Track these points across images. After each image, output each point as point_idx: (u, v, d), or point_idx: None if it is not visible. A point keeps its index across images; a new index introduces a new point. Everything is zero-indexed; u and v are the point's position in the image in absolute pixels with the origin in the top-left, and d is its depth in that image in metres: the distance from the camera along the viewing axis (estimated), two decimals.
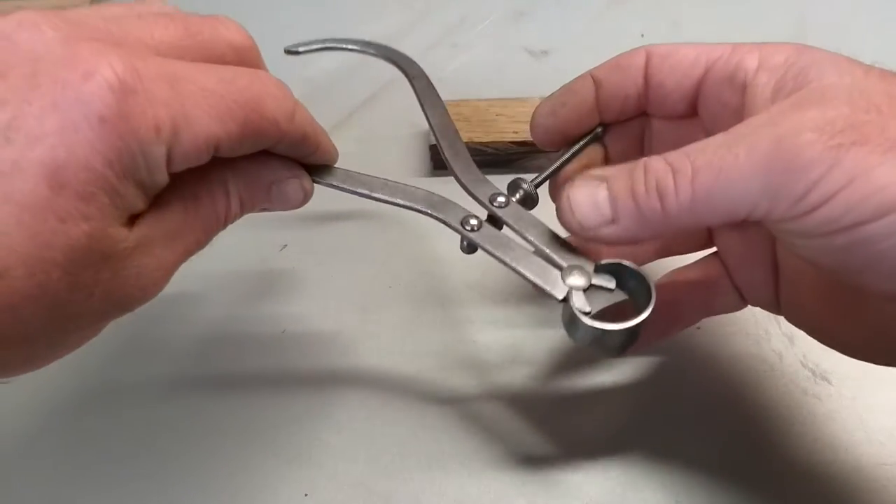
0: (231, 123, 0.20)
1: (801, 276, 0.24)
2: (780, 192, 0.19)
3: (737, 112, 0.23)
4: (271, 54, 0.48)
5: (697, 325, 0.32)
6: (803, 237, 0.20)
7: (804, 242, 0.20)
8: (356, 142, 0.41)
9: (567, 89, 0.26)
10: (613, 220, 0.21)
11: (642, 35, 0.45)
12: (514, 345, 0.32)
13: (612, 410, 0.30)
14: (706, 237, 0.28)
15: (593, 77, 0.26)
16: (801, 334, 0.31)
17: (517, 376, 0.31)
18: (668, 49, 0.24)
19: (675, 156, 0.20)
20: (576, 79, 0.26)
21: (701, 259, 0.28)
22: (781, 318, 0.31)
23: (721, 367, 0.31)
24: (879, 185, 0.18)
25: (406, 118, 0.41)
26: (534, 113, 0.27)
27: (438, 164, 0.39)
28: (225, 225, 0.23)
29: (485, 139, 0.38)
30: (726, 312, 0.28)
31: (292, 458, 0.29)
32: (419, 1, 0.48)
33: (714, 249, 0.28)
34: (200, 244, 0.22)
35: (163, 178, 0.19)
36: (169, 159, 0.19)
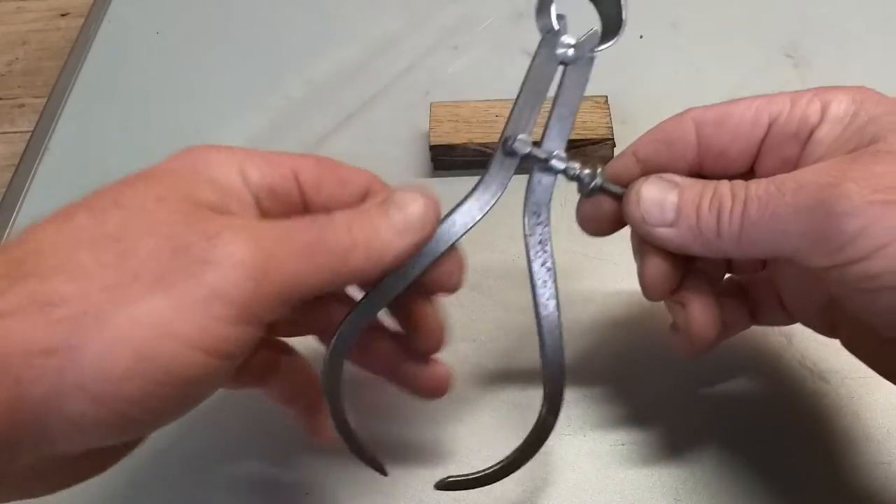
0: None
1: (859, 323, 0.23)
2: (820, 238, 0.19)
3: (795, 165, 0.22)
4: (272, 54, 0.48)
5: None
6: (848, 291, 0.20)
7: (853, 297, 0.20)
8: (356, 142, 0.41)
9: (611, 174, 0.25)
10: (672, 225, 0.22)
11: (641, 36, 0.45)
12: (509, 349, 0.32)
13: (610, 409, 0.30)
14: (761, 262, 0.27)
15: (637, 157, 0.24)
16: (799, 334, 0.31)
17: (516, 375, 0.31)
18: (719, 113, 0.23)
19: (738, 184, 0.21)
20: (617, 159, 0.25)
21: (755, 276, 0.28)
22: None
23: (719, 366, 0.31)
24: None
25: (406, 118, 0.42)
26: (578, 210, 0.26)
27: (438, 165, 0.39)
28: None
29: (484, 140, 0.38)
30: (773, 325, 0.28)
31: (293, 456, 0.29)
32: (419, 3, 0.48)
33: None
34: None
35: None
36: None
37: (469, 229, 0.23)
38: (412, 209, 0.21)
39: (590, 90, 0.24)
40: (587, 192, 0.24)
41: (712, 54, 0.44)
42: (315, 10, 0.49)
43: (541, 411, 0.24)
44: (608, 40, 0.23)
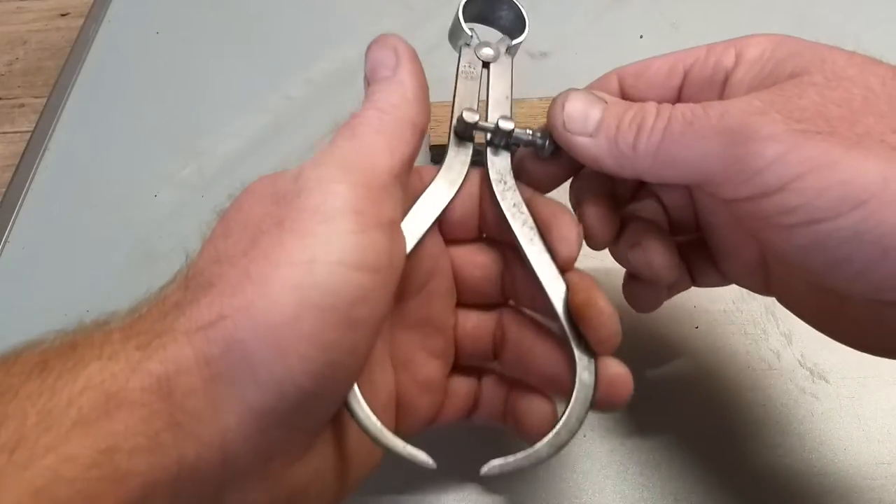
0: None
1: (789, 271, 0.24)
2: (738, 164, 0.19)
3: None
4: (272, 54, 0.48)
5: (696, 325, 0.32)
6: (765, 227, 0.20)
7: (769, 235, 0.20)
8: None
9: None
10: (591, 135, 0.22)
11: (641, 36, 0.45)
12: None
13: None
14: (694, 223, 0.27)
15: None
16: (799, 334, 0.31)
17: None
18: (639, 67, 0.24)
19: (665, 105, 0.21)
20: (555, 99, 0.25)
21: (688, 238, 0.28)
22: (779, 318, 0.32)
23: (719, 366, 0.31)
24: (840, 180, 0.18)
25: None
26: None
27: (438, 163, 0.39)
28: None
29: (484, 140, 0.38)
30: (711, 287, 0.28)
31: None
32: (420, 2, 0.48)
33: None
34: None
35: None
36: None
37: (445, 208, 0.24)
38: None
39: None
40: (548, 151, 0.25)
41: None
42: (315, 10, 0.49)
43: (575, 372, 0.23)
44: (518, 37, 0.25)
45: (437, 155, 0.39)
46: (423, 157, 0.40)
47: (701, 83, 0.23)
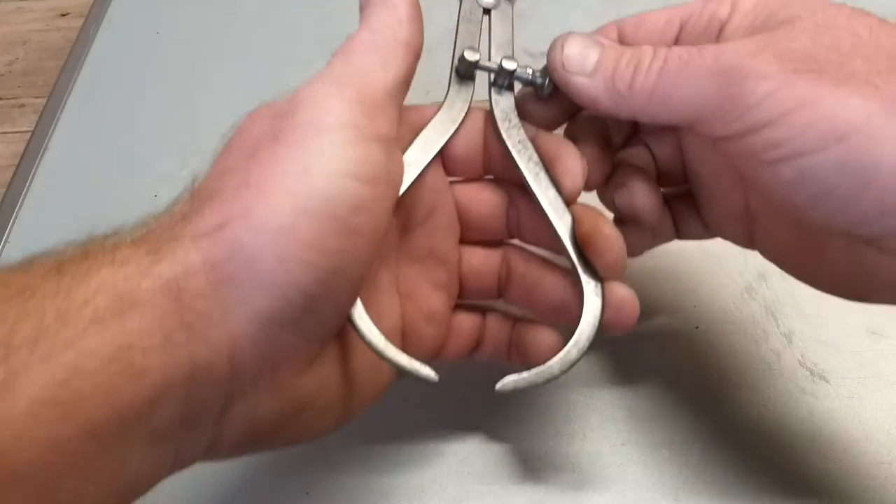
0: None
1: (772, 216, 0.24)
2: (731, 100, 0.20)
3: None
4: (272, 54, 0.48)
5: (696, 325, 0.32)
6: (754, 163, 0.20)
7: (757, 172, 0.21)
8: None
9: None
10: (589, 76, 0.23)
11: None
12: None
13: (611, 410, 0.30)
14: (682, 174, 0.28)
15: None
16: (799, 334, 0.31)
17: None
18: (637, 19, 0.25)
19: (661, 47, 0.22)
20: (554, 42, 0.26)
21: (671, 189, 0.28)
22: (780, 318, 0.32)
23: (719, 366, 0.31)
24: (826, 115, 0.19)
25: None
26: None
27: None
28: None
29: None
30: (694, 239, 0.28)
31: (293, 456, 0.29)
32: (419, 2, 0.48)
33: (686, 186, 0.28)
34: None
35: None
36: None
37: (446, 143, 0.25)
38: None
39: None
40: (547, 90, 0.25)
41: None
42: (315, 10, 0.49)
43: (582, 290, 0.24)
44: None
45: None
46: None
47: (696, 33, 0.24)
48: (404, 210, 0.24)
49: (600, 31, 0.26)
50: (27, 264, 0.18)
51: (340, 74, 0.21)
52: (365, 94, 0.20)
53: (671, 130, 0.27)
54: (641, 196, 0.25)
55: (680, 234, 0.28)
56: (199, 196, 0.20)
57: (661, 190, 0.28)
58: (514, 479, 0.28)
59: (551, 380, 0.23)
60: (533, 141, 0.25)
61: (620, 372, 0.31)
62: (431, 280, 0.26)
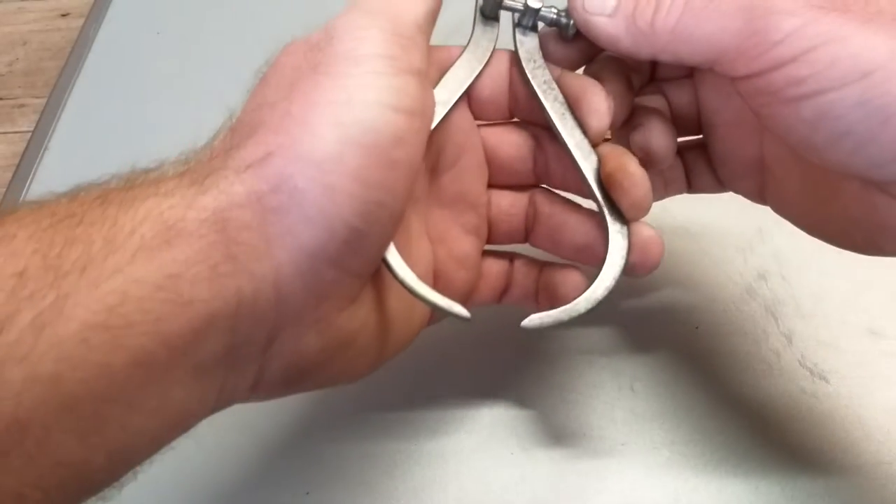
0: None
1: (786, 166, 0.25)
2: (755, 36, 0.20)
3: None
4: (269, 53, 0.48)
5: (696, 325, 0.32)
6: (773, 102, 0.20)
7: (776, 111, 0.21)
8: None
9: None
10: (610, 15, 0.23)
11: None
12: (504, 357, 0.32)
13: (610, 410, 0.30)
14: (696, 124, 0.28)
15: None
16: (799, 334, 0.31)
17: (517, 382, 0.31)
18: None
19: None
20: None
21: (685, 141, 0.28)
22: (780, 318, 0.32)
23: (719, 366, 0.31)
24: (850, 52, 0.19)
25: None
26: None
27: None
28: None
29: None
30: (705, 192, 0.28)
31: (294, 456, 0.29)
32: None
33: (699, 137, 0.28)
34: None
35: None
36: None
37: (474, 80, 0.24)
38: None
39: None
40: (572, 31, 0.25)
41: None
42: (314, 9, 0.49)
43: (608, 230, 0.24)
44: None
45: None
46: None
47: None
48: (433, 152, 0.24)
49: None
50: (73, 194, 0.18)
51: (374, 5, 0.21)
52: (398, 25, 0.20)
53: (688, 78, 0.26)
54: (658, 136, 0.25)
55: (691, 187, 0.28)
56: (238, 130, 0.20)
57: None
58: (514, 480, 0.28)
59: (577, 317, 0.23)
60: (558, 81, 0.25)
61: (620, 372, 0.31)
62: (461, 224, 0.26)
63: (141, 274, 0.16)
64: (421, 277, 0.22)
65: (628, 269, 0.24)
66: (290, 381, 0.21)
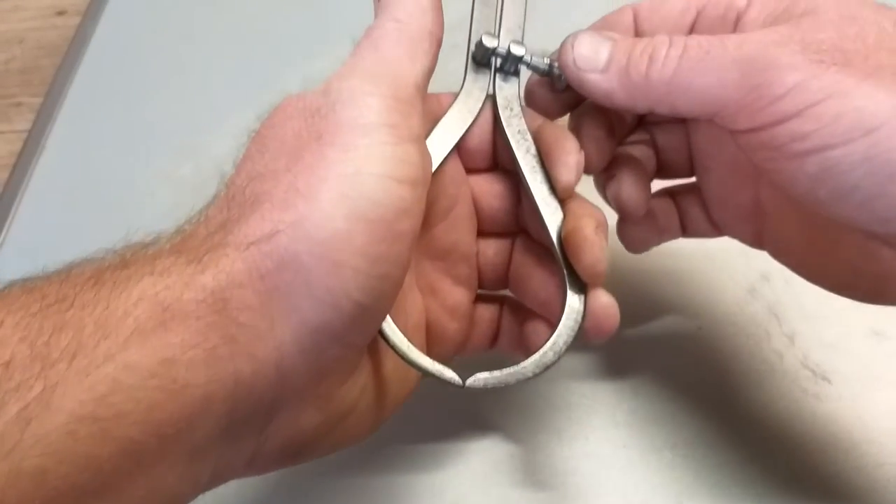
0: None
1: (784, 213, 0.24)
2: (756, 90, 0.20)
3: None
4: (270, 51, 0.48)
5: (699, 325, 0.32)
6: (776, 156, 0.20)
7: (779, 166, 0.20)
8: None
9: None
10: (603, 71, 0.22)
11: None
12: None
13: (612, 412, 0.30)
14: (688, 167, 0.27)
15: None
16: (802, 335, 0.31)
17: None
18: (654, 3, 0.25)
19: (677, 35, 0.22)
20: (564, 41, 0.25)
21: (679, 185, 0.28)
22: (782, 319, 0.31)
23: (721, 367, 0.31)
24: (854, 107, 0.19)
25: None
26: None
27: None
28: None
29: None
30: (700, 237, 0.28)
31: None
32: None
33: (692, 180, 0.28)
34: None
35: None
36: None
37: (465, 133, 0.24)
38: None
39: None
40: (563, 83, 0.25)
41: None
42: (313, 7, 0.48)
43: (564, 297, 0.23)
44: None
45: None
46: None
47: (713, 21, 0.23)
48: (426, 205, 0.24)
49: (615, 14, 0.25)
50: (65, 273, 0.17)
51: (372, 68, 0.20)
52: (398, 89, 0.20)
53: (679, 121, 0.26)
54: (628, 189, 0.25)
55: (686, 232, 0.28)
56: (236, 200, 0.19)
57: (668, 184, 0.28)
58: (515, 481, 0.28)
59: (523, 381, 0.22)
60: (536, 131, 0.24)
61: (622, 373, 0.31)
62: (453, 275, 0.25)
63: (134, 360, 0.16)
64: (413, 331, 0.22)
65: (582, 335, 0.23)
66: (288, 456, 0.20)
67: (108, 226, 0.39)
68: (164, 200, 0.40)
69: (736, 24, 0.22)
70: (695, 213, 0.27)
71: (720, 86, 0.20)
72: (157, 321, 0.16)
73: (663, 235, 0.28)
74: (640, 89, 0.22)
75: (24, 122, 0.45)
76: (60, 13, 0.51)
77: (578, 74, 0.23)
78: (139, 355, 0.16)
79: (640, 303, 0.32)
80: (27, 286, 0.17)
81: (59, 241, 0.39)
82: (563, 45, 0.24)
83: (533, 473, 0.28)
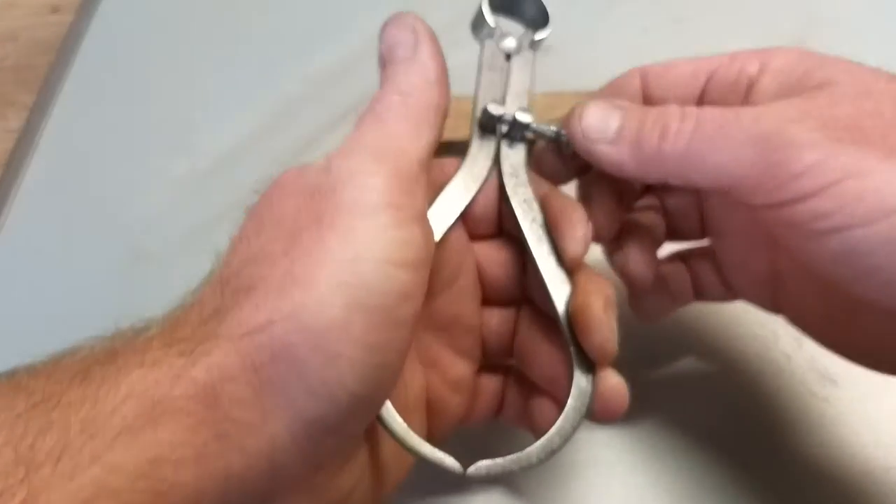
0: None
1: (803, 282, 0.23)
2: (773, 168, 0.19)
3: None
4: (267, 50, 0.48)
5: (705, 327, 0.31)
6: (797, 233, 0.19)
7: (799, 243, 0.20)
8: None
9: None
10: (612, 142, 0.22)
11: (645, 31, 0.44)
12: None
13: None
14: (700, 229, 0.27)
15: None
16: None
17: None
18: (663, 67, 0.24)
19: (690, 108, 0.21)
20: (572, 111, 0.24)
21: (691, 249, 0.28)
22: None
23: (728, 368, 0.30)
24: (874, 188, 0.18)
25: None
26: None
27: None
28: None
29: None
30: (714, 301, 0.28)
31: None
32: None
33: (705, 242, 0.27)
34: None
35: None
36: None
37: (470, 201, 0.23)
38: None
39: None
40: (569, 150, 0.24)
41: (717, 51, 0.44)
42: (312, 5, 0.48)
43: (572, 375, 0.22)
44: (541, 31, 0.25)
45: (437, 152, 0.38)
46: None
47: (724, 88, 0.22)
48: (429, 275, 0.22)
49: (623, 78, 0.25)
50: (52, 366, 0.17)
51: (376, 145, 0.19)
52: (402, 167, 0.19)
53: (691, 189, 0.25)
54: (635, 260, 0.24)
55: (699, 296, 0.27)
56: (229, 286, 0.18)
57: (680, 248, 0.27)
58: (516, 485, 0.27)
59: (529, 468, 0.21)
60: (543, 199, 0.23)
61: (625, 375, 0.31)
62: (455, 347, 0.24)
63: (121, 460, 0.15)
64: (412, 406, 0.21)
65: (590, 416, 0.22)
66: None
67: (103, 224, 0.39)
68: (159, 199, 0.39)
69: (748, 92, 0.22)
70: (709, 278, 0.26)
71: (735, 162, 0.19)
72: (146, 419, 0.16)
73: (676, 302, 0.27)
74: (652, 162, 0.21)
75: (17, 120, 0.45)
76: (54, 10, 0.50)
77: (587, 146, 0.22)
78: (127, 455, 0.15)
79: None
80: (13, 382, 0.16)
81: (53, 239, 0.38)
82: (570, 114, 0.23)
83: (535, 478, 0.28)
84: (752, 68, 0.22)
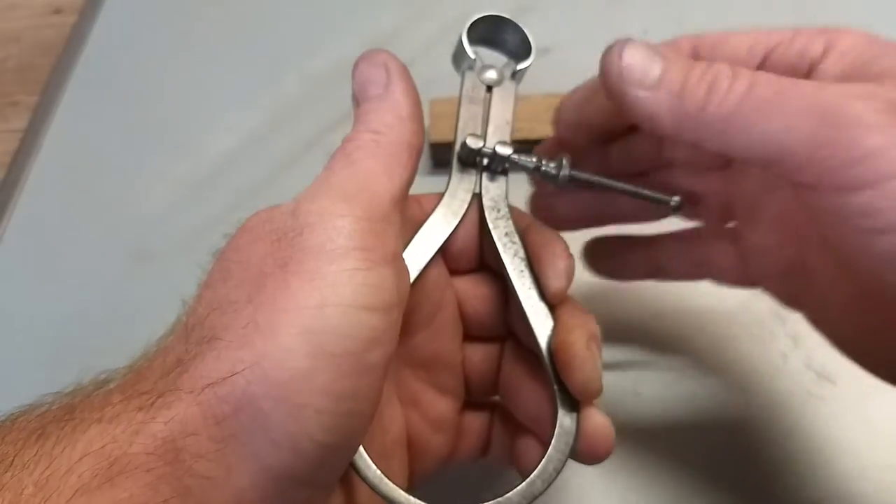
0: None
1: (833, 280, 0.22)
2: (830, 147, 0.17)
3: None
4: (268, 50, 0.48)
5: (702, 326, 0.31)
6: (843, 227, 0.18)
7: (844, 237, 0.18)
8: None
9: (593, 86, 0.24)
10: (651, 89, 0.20)
11: (645, 31, 0.44)
12: None
13: (615, 414, 0.30)
14: (721, 210, 0.25)
15: None
16: (806, 336, 0.31)
17: None
18: (717, 38, 0.22)
19: (743, 68, 0.19)
20: (610, 47, 0.22)
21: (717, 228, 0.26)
22: (786, 320, 0.31)
23: (725, 368, 0.31)
24: None
25: None
26: (558, 107, 0.26)
27: (438, 163, 0.39)
28: None
29: None
30: (730, 286, 0.26)
31: None
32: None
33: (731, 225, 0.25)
34: None
35: None
36: None
37: (450, 236, 0.23)
38: None
39: None
40: (562, 182, 0.24)
41: None
42: (313, 5, 0.48)
43: (556, 414, 0.21)
44: (523, 62, 0.24)
45: (439, 153, 0.38)
46: (422, 155, 0.40)
47: (783, 67, 0.21)
48: (407, 311, 0.21)
49: (671, 43, 0.23)
50: (8, 425, 0.16)
51: (344, 186, 0.19)
52: (373, 208, 0.18)
53: (718, 166, 0.24)
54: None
55: (716, 278, 0.26)
56: (194, 334, 0.17)
57: (698, 225, 0.26)
58: None
59: None
60: (524, 233, 0.23)
61: (624, 373, 0.31)
62: (436, 384, 0.24)
63: None
64: (392, 447, 0.20)
65: (574, 457, 0.21)
66: None
67: (105, 225, 0.39)
68: (161, 199, 0.39)
69: (809, 75, 0.20)
70: (728, 261, 0.25)
71: (787, 132, 0.18)
72: (102, 478, 0.15)
73: (717, 275, 0.26)
74: (693, 120, 0.19)
75: (20, 121, 0.45)
76: (57, 11, 0.51)
77: (622, 88, 0.20)
78: None
79: (645, 305, 0.32)
80: None
81: (55, 240, 0.39)
82: (608, 50, 0.21)
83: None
84: (816, 48, 0.20)
